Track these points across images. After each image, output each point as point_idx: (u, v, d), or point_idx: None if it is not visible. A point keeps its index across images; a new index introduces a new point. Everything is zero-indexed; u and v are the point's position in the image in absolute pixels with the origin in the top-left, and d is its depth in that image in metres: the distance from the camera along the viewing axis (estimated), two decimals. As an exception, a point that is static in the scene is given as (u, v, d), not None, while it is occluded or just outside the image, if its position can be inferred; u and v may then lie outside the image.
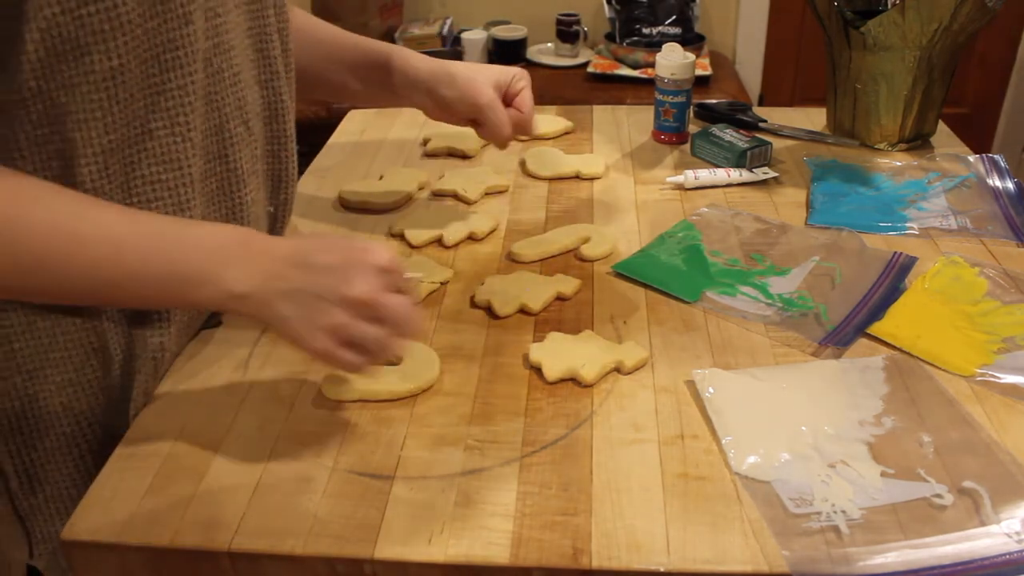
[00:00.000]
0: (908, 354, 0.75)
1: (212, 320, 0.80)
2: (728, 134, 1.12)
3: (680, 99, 1.16)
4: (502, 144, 0.95)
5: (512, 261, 0.91)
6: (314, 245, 0.63)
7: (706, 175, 1.06)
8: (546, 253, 0.92)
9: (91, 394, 0.71)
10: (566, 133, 1.23)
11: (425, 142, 1.19)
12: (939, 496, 0.60)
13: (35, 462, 0.71)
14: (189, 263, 0.61)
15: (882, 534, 0.57)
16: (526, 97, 0.93)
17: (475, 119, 0.91)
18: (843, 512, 0.58)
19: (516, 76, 0.93)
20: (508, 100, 0.92)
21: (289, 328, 0.61)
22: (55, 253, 0.58)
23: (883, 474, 0.62)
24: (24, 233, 0.57)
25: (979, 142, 2.77)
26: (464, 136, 1.18)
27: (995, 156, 1.11)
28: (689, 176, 1.05)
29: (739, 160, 1.08)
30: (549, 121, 1.25)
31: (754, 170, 1.08)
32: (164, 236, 0.62)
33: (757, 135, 1.12)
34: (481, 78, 0.89)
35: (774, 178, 1.08)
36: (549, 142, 1.21)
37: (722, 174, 1.06)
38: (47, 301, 0.66)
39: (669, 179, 1.06)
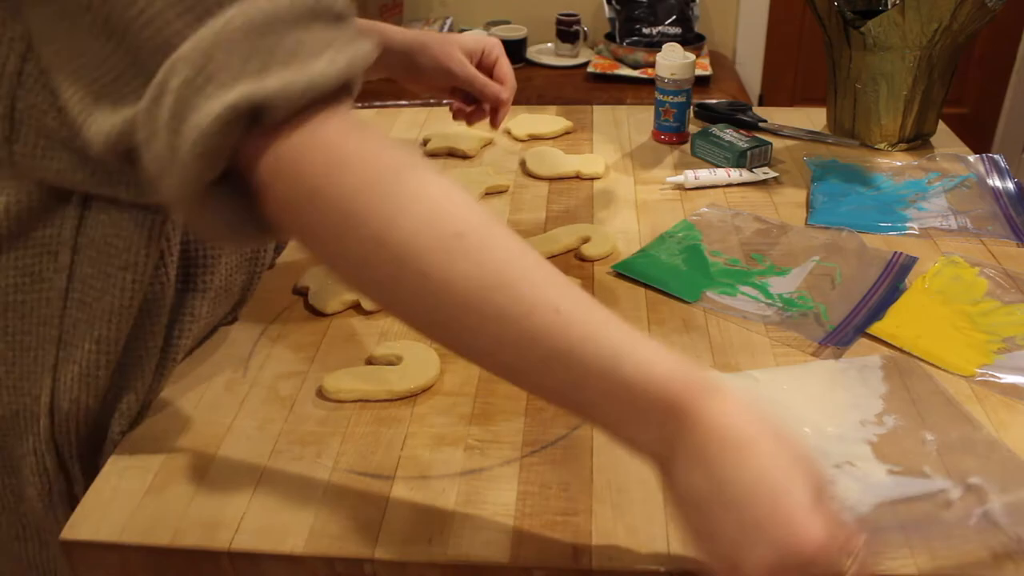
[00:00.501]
0: (908, 354, 0.75)
1: (228, 317, 0.80)
2: (728, 134, 1.12)
3: (680, 99, 1.16)
4: (496, 109, 0.97)
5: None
6: (731, 450, 0.44)
7: (706, 175, 1.06)
8: (546, 253, 0.92)
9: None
10: (566, 133, 1.23)
11: (425, 142, 1.19)
12: (945, 491, 0.60)
13: (97, 465, 0.69)
14: (632, 394, 0.46)
15: (886, 534, 0.57)
16: (504, 64, 0.96)
17: (453, 87, 0.95)
18: (852, 510, 0.58)
19: (489, 45, 0.96)
20: (486, 71, 0.96)
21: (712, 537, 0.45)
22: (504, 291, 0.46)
23: (890, 472, 0.62)
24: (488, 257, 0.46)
25: (979, 142, 2.77)
26: (464, 136, 1.18)
27: (995, 156, 1.11)
28: (689, 176, 1.05)
29: (739, 160, 1.08)
30: (549, 121, 1.25)
31: (754, 170, 1.08)
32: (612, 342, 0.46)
33: (757, 135, 1.12)
34: (452, 46, 0.93)
35: (774, 178, 1.08)
36: (549, 142, 1.21)
37: (722, 174, 1.06)
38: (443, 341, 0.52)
39: (669, 179, 1.06)
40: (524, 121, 1.24)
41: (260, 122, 0.47)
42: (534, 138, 1.21)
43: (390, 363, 0.74)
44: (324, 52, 0.48)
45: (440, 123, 1.26)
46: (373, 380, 0.72)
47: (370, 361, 0.76)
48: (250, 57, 0.46)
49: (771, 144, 1.12)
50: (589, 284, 0.87)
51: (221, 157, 0.47)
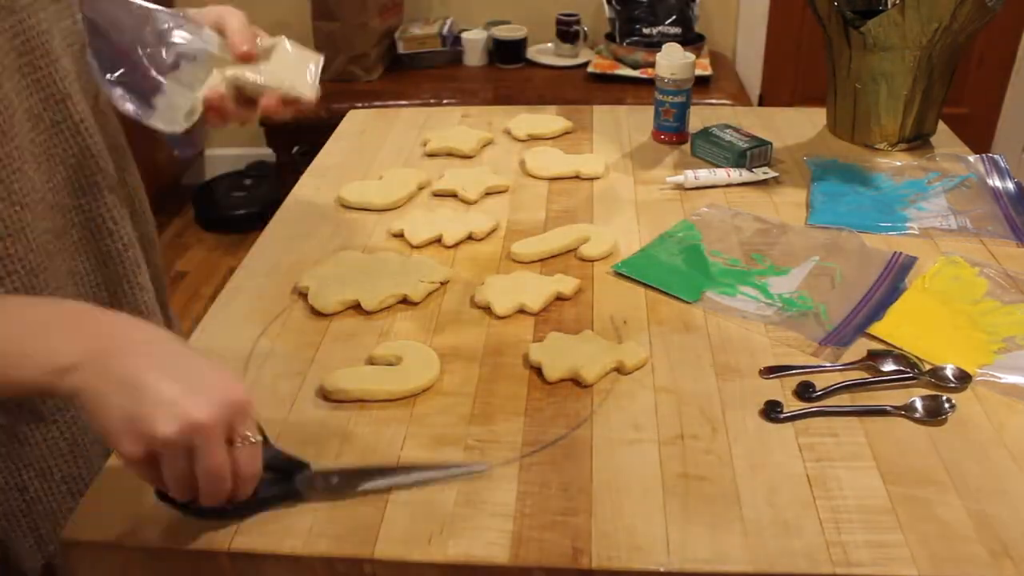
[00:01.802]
0: (908, 353, 0.75)
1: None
2: (728, 134, 1.12)
3: (680, 99, 1.16)
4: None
5: (512, 261, 0.91)
6: (175, 348, 0.55)
7: (706, 175, 1.06)
8: (546, 253, 0.92)
9: None
10: (565, 133, 1.23)
11: (425, 143, 1.19)
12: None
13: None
14: (10, 340, 0.53)
15: (882, 533, 0.58)
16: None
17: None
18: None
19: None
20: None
21: (108, 417, 0.51)
22: None
23: None
24: None
25: (979, 142, 2.77)
26: (464, 137, 1.18)
27: (995, 156, 1.11)
28: (689, 176, 1.05)
29: (739, 160, 1.08)
30: (549, 121, 1.25)
31: (754, 170, 1.08)
32: None
33: (757, 135, 1.12)
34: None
35: (774, 178, 1.08)
36: (549, 142, 1.21)
37: (722, 174, 1.06)
38: None
39: (669, 179, 1.06)
40: (524, 121, 1.25)
41: None
42: (534, 138, 1.21)
43: (390, 363, 0.74)
44: None
45: (440, 123, 1.26)
46: (373, 380, 0.72)
47: (370, 361, 0.76)
48: None
49: (771, 144, 1.11)
50: (589, 284, 0.87)
51: None
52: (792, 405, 0.69)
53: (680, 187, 1.06)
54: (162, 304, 0.87)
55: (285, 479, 0.60)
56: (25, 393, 0.54)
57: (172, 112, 0.72)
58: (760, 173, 1.08)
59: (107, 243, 0.77)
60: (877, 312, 0.81)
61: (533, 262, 0.91)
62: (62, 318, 0.55)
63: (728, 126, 1.14)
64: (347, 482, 0.62)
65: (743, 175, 1.07)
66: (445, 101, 2.26)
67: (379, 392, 0.71)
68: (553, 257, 0.92)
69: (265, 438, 0.56)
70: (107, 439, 0.51)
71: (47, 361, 0.52)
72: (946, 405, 0.68)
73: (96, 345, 0.52)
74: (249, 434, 0.54)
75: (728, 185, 1.06)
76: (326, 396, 0.71)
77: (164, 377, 0.51)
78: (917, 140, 1.17)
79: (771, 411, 0.69)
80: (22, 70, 0.67)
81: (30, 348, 0.52)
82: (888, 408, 0.69)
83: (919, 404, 0.68)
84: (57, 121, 0.70)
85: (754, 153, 1.09)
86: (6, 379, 0.53)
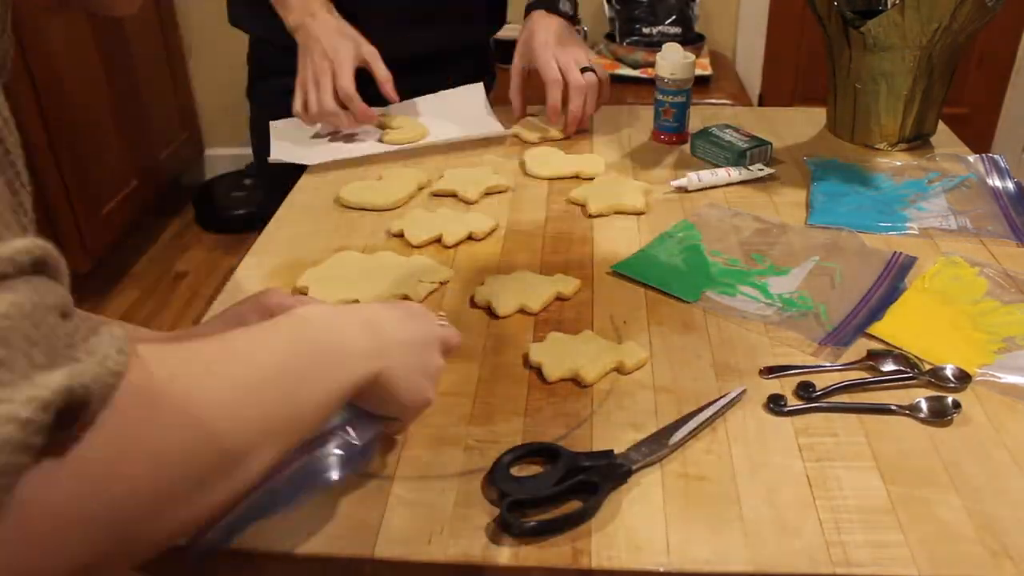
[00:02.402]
0: (908, 354, 0.75)
1: None
2: (728, 134, 1.12)
3: (680, 99, 1.16)
4: None
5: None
6: (360, 313, 0.61)
7: (708, 176, 1.06)
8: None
9: None
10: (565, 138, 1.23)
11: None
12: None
13: None
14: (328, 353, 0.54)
15: (882, 533, 0.58)
16: None
17: None
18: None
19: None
20: None
21: (415, 386, 0.60)
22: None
23: None
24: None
25: (979, 142, 2.77)
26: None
27: (995, 156, 1.11)
28: (693, 179, 1.05)
29: (739, 160, 1.08)
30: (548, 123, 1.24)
31: (750, 167, 1.08)
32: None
33: (757, 135, 1.12)
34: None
35: (771, 175, 1.08)
36: (550, 143, 1.21)
37: (723, 174, 1.06)
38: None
39: (673, 183, 1.06)
40: (530, 123, 1.24)
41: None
42: (545, 140, 1.21)
43: None
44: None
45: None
46: None
47: None
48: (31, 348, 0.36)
49: (771, 144, 1.12)
50: (589, 284, 0.87)
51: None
52: (792, 405, 0.69)
53: (683, 190, 1.06)
54: None
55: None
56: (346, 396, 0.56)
57: None
58: (755, 170, 1.07)
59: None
60: (877, 312, 0.81)
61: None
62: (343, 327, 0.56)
63: (728, 126, 1.14)
64: None
65: (741, 173, 1.07)
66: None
67: None
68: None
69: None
70: (408, 404, 0.60)
71: (356, 365, 0.55)
72: (951, 407, 0.68)
73: (375, 336, 0.58)
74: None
75: (728, 184, 1.06)
76: None
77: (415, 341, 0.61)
78: (917, 140, 1.17)
79: (774, 404, 0.69)
80: None
81: (346, 354, 0.55)
82: (893, 407, 0.69)
83: (924, 405, 0.68)
84: None
85: (754, 153, 1.09)
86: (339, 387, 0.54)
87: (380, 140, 1.19)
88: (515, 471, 0.62)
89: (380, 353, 0.57)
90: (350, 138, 1.20)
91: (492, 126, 1.22)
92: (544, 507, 0.60)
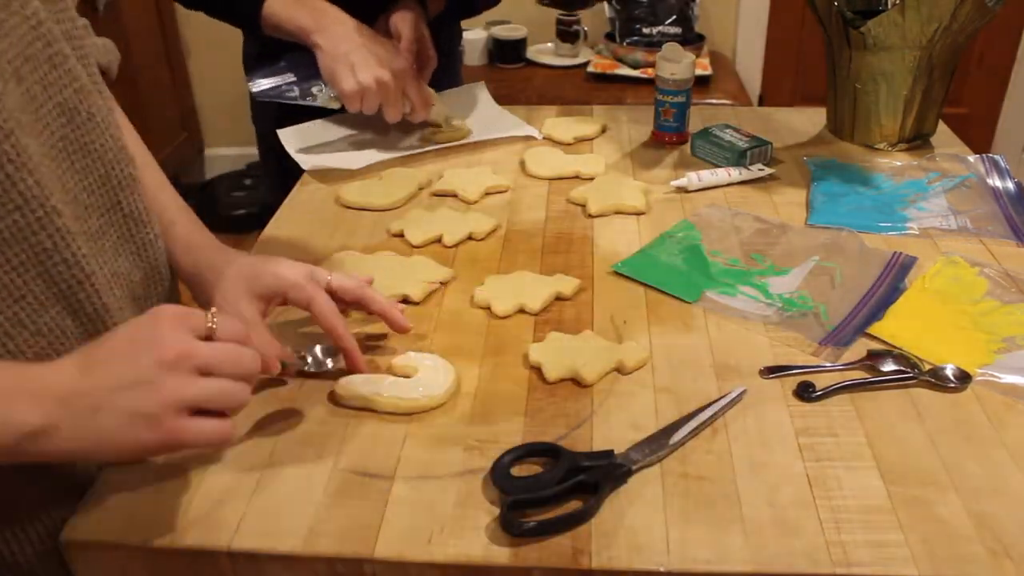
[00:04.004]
0: (908, 353, 0.75)
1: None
2: (728, 134, 1.12)
3: (680, 99, 1.16)
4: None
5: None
6: (92, 345, 0.55)
7: (708, 176, 1.06)
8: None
9: None
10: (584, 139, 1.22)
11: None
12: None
13: None
14: None
15: (882, 533, 0.58)
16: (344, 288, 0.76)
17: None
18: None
19: (295, 286, 0.73)
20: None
21: (123, 437, 0.52)
22: None
23: None
24: None
25: (979, 142, 2.77)
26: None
27: (995, 156, 1.11)
28: (693, 179, 1.05)
29: (739, 160, 1.08)
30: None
31: (750, 167, 1.08)
32: None
33: (757, 135, 1.12)
34: (237, 291, 0.74)
35: (771, 175, 1.08)
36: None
37: (723, 174, 1.06)
38: None
39: (673, 183, 1.06)
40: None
41: None
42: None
43: (406, 375, 0.73)
44: None
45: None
46: (383, 388, 0.70)
47: (388, 371, 0.74)
48: None
49: (771, 144, 1.12)
50: (589, 284, 0.87)
51: None
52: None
53: (683, 190, 1.06)
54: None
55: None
56: None
57: None
58: (755, 170, 1.07)
59: (142, 235, 0.72)
60: (877, 312, 0.81)
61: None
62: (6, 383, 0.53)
63: (728, 126, 1.14)
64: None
65: (741, 173, 1.07)
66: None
67: (387, 404, 0.69)
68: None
69: None
70: (139, 453, 0.57)
71: (16, 429, 0.51)
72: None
73: (58, 393, 0.53)
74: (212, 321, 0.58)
75: (729, 184, 1.06)
76: (337, 401, 0.71)
77: (114, 360, 0.55)
78: (917, 140, 1.17)
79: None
80: (52, 60, 0.63)
81: None
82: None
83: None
84: (92, 114, 0.66)
85: (754, 153, 1.09)
86: None
87: (422, 139, 1.18)
88: (515, 471, 0.62)
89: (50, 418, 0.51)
90: (384, 138, 1.19)
91: (524, 127, 1.22)
92: (544, 507, 0.60)
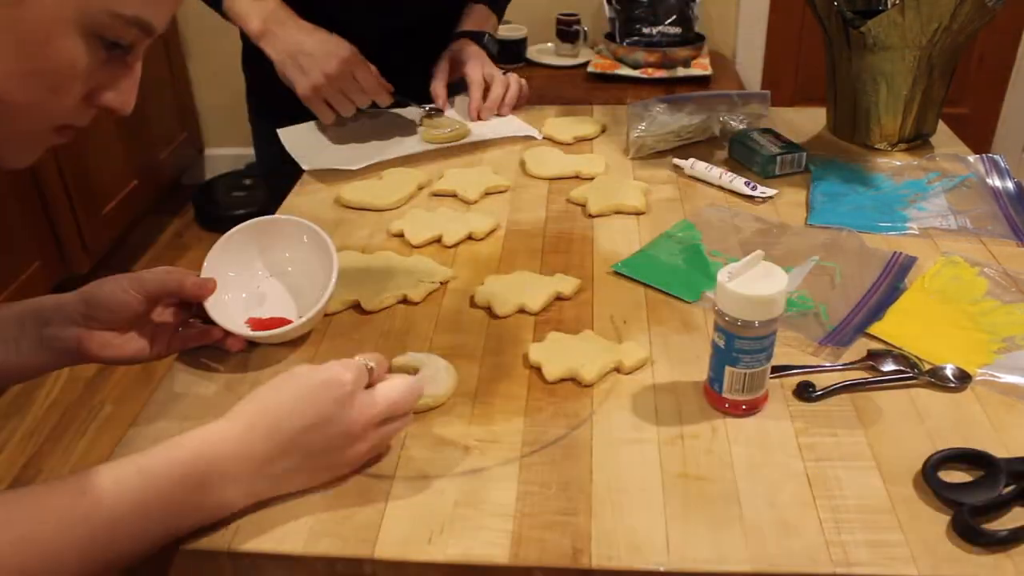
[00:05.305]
0: (909, 353, 0.75)
1: None
2: (764, 139, 1.10)
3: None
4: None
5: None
6: (281, 407, 0.60)
7: (702, 168, 1.08)
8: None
9: None
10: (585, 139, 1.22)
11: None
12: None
13: None
14: (177, 502, 0.57)
15: (882, 533, 0.58)
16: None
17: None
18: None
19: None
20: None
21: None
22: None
23: None
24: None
25: (979, 142, 2.77)
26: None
27: (995, 156, 1.11)
28: (687, 164, 1.09)
29: (767, 165, 1.07)
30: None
31: (748, 184, 1.04)
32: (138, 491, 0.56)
33: (793, 141, 1.11)
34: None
35: (764, 198, 1.03)
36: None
37: (715, 173, 1.06)
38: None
39: (675, 160, 1.10)
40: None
41: None
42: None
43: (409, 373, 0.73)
44: None
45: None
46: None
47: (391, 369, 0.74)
48: None
49: (806, 151, 1.10)
50: (589, 284, 0.87)
51: None
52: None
53: (680, 171, 1.09)
54: None
55: None
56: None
57: None
58: (749, 188, 1.03)
59: None
60: (877, 312, 0.81)
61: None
62: (204, 469, 0.58)
63: (768, 131, 1.13)
64: None
65: (733, 183, 1.04)
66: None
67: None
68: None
69: None
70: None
71: (228, 508, 0.59)
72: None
73: (254, 467, 0.59)
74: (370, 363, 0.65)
75: (721, 188, 1.06)
76: None
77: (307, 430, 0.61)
78: (917, 140, 1.17)
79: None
80: None
81: (205, 505, 0.59)
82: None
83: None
84: None
85: (784, 160, 1.08)
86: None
87: (422, 139, 1.19)
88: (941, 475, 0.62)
89: (253, 492, 0.60)
90: (385, 139, 1.19)
91: (524, 127, 1.23)
92: (992, 515, 0.59)
